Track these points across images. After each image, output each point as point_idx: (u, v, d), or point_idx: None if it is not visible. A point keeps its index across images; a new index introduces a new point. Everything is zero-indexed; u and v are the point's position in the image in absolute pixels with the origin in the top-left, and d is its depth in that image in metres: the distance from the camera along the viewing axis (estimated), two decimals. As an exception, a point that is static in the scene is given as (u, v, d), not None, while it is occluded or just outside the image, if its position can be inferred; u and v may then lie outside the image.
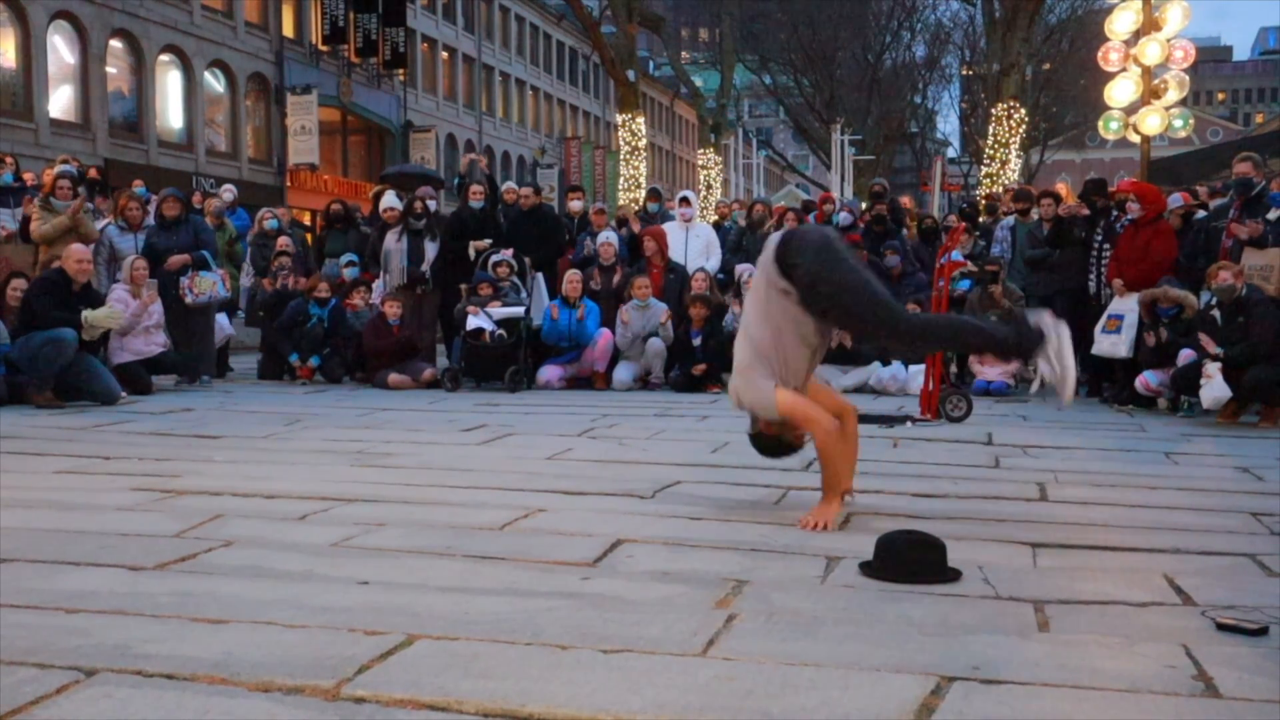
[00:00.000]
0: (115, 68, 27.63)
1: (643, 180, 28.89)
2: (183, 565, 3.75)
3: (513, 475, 5.64)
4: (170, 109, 29.58)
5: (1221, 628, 3.12)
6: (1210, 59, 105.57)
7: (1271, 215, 9.16)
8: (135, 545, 4.01)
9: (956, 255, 10.51)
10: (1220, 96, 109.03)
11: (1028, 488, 5.47)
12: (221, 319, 11.66)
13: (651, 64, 64.14)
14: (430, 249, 11.54)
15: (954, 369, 11.19)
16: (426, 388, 10.65)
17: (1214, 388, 8.20)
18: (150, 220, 11.08)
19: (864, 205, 16.82)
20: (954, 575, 3.66)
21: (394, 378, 10.68)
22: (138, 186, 13.53)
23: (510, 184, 12.64)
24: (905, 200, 15.22)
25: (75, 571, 3.63)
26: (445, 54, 44.89)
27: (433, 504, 4.88)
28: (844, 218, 12.91)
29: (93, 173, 14.70)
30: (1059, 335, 4.49)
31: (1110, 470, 6.13)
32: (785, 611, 3.26)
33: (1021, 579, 3.69)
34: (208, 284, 10.65)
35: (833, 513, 4.52)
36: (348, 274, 11.87)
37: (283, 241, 12.39)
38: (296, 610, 3.20)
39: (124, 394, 9.18)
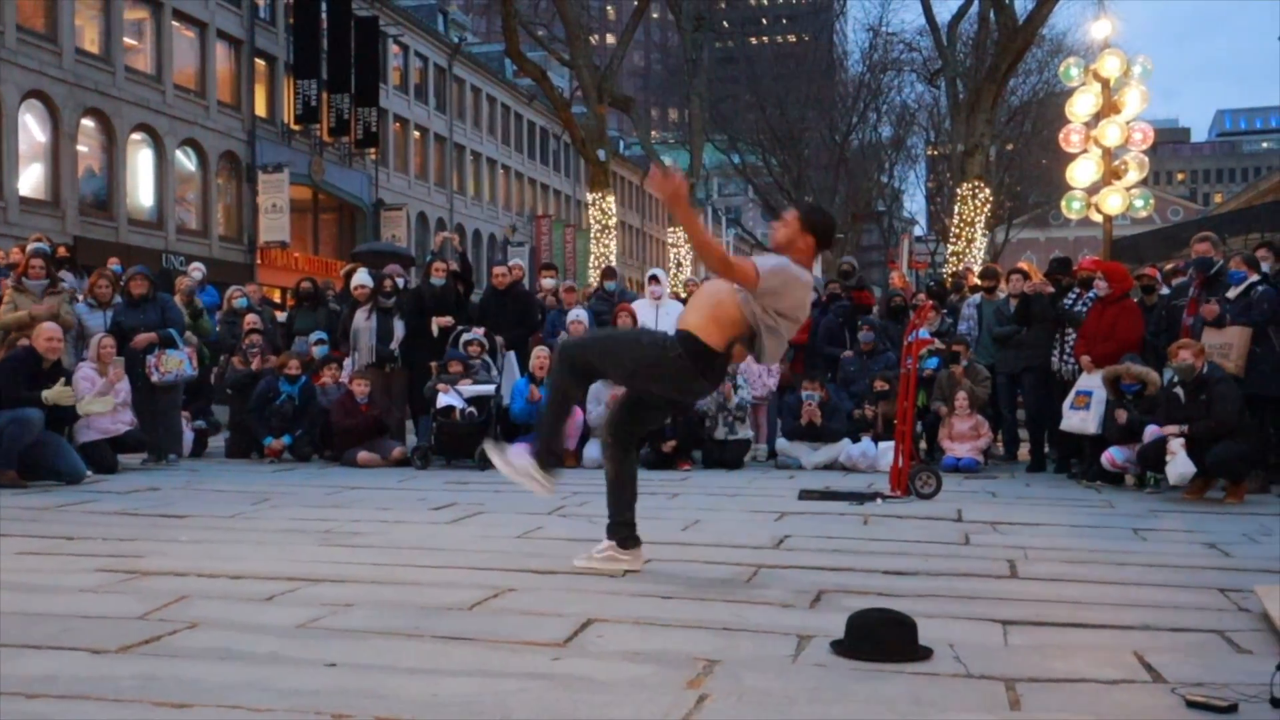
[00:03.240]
0: (86, 146, 27.73)
1: (613, 258, 29.03)
2: (147, 648, 3.69)
3: (483, 554, 5.61)
4: (141, 187, 29.65)
5: (1191, 705, 3.12)
6: (1169, 140, 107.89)
7: (1231, 293, 9.29)
8: (98, 627, 3.95)
9: (924, 333, 10.60)
10: (1180, 177, 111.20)
11: (998, 564, 5.47)
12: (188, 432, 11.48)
13: (622, 143, 64.82)
14: (399, 327, 11.56)
15: (924, 445, 11.24)
16: (396, 466, 10.60)
17: (1179, 464, 8.27)
18: (118, 298, 11.04)
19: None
20: (925, 653, 3.65)
21: (363, 456, 10.63)
22: (113, 264, 13.49)
23: (500, 267, 12.61)
24: (895, 279, 15.40)
25: (36, 655, 3.57)
26: (417, 133, 45.27)
27: (402, 584, 4.84)
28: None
29: (61, 250, 14.65)
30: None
31: (1080, 546, 6.15)
32: (756, 691, 3.24)
33: (992, 657, 3.69)
34: (174, 363, 10.59)
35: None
36: (317, 352, 11.85)
37: (250, 319, 12.36)
38: (263, 693, 3.15)
39: (89, 473, 9.08)
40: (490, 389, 10.71)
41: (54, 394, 9.01)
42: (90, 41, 27.93)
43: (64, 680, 3.28)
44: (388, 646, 3.74)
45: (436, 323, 11.47)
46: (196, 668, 3.43)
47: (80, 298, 11.08)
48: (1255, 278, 9.31)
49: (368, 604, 4.38)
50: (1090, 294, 10.28)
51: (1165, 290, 10.93)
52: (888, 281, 15.15)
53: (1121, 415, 9.11)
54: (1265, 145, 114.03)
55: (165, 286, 12.22)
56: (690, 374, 4.94)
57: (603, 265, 30.41)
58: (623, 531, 5.21)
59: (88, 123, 27.54)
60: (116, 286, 11.14)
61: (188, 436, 11.44)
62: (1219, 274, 9.59)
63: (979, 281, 12.91)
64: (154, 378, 10.48)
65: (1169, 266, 12.56)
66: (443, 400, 10.57)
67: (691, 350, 4.89)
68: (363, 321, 11.59)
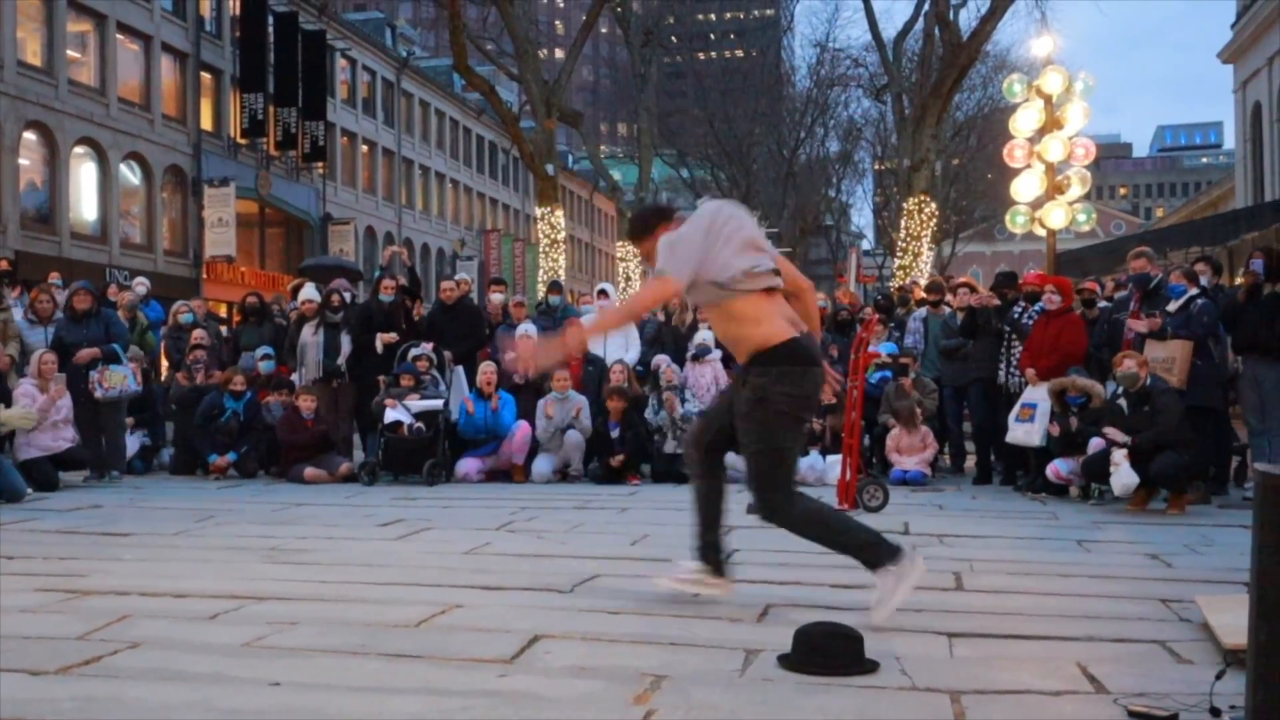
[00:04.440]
0: (28, 159, 27.28)
1: (562, 273, 28.98)
2: (87, 668, 3.63)
3: (430, 570, 5.57)
4: (84, 201, 29.21)
5: (1133, 715, 3.16)
6: (1111, 155, 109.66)
7: (1171, 307, 9.43)
8: (37, 648, 3.88)
9: (891, 347, 10.68)
10: (1122, 191, 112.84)
11: (944, 577, 5.51)
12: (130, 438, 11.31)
13: (570, 158, 64.84)
14: (346, 342, 11.48)
15: (872, 459, 11.30)
16: (343, 482, 10.51)
17: (1122, 475, 8.37)
18: (60, 313, 10.89)
19: None
20: (871, 666, 3.67)
21: (310, 472, 10.53)
22: (54, 278, 13.30)
23: (448, 282, 12.56)
24: (842, 293, 15.53)
25: (-28, 678, 3.50)
26: (365, 147, 45.01)
27: (347, 601, 4.80)
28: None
29: (3, 264, 14.44)
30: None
31: (1025, 559, 6.21)
32: (703, 706, 3.25)
33: (938, 669, 3.71)
34: (118, 378, 10.45)
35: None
36: (263, 367, 11.74)
37: (198, 334, 12.23)
38: (205, 713, 3.11)
39: (29, 491, 8.93)
40: (438, 404, 10.66)
41: (8, 416, 8.88)
42: (32, 54, 27.50)
43: (1, 702, 3.22)
44: (333, 665, 3.71)
45: (381, 339, 11.40)
46: (137, 688, 3.39)
47: (21, 313, 10.92)
48: (1194, 291, 9.46)
49: (313, 622, 4.34)
50: (1036, 307, 10.40)
51: (1105, 303, 11.07)
52: (834, 295, 15.22)
53: (1055, 429, 9.24)
54: (1205, 160, 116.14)
55: (108, 301, 12.07)
56: (800, 380, 4.53)
57: (551, 280, 30.42)
58: (710, 555, 4.86)
59: (29, 136, 27.12)
60: (55, 301, 10.97)
61: (132, 444, 11.28)
62: (1158, 288, 9.75)
63: (925, 295, 13.01)
64: (97, 394, 10.34)
65: (1110, 281, 12.72)
66: (390, 415, 10.51)
67: (780, 363, 4.52)
68: (310, 336, 11.51)
